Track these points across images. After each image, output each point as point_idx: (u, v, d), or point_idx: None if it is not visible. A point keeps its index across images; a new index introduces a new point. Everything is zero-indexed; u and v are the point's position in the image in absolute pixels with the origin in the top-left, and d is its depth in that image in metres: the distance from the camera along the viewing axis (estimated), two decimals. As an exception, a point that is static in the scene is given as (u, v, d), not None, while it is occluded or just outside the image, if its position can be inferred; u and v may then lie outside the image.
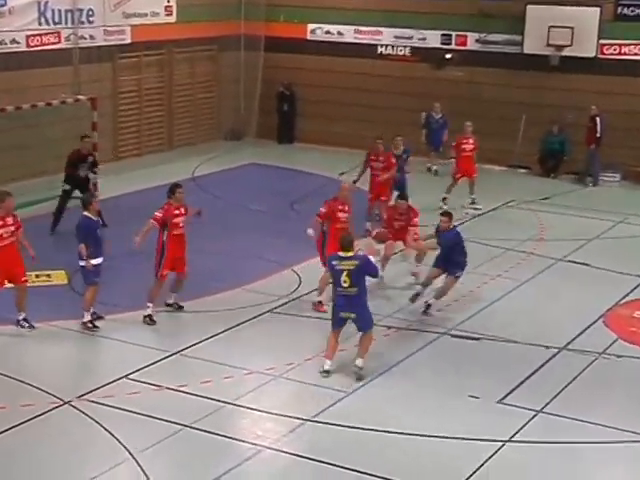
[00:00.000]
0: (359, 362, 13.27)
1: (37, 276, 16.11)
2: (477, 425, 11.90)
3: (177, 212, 15.10)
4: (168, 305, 15.58)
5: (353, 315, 13.25)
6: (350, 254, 13.30)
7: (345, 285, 13.05)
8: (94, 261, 14.49)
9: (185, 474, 10.68)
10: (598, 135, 24.75)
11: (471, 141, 22.39)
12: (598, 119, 24.64)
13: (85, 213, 14.73)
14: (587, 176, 25.32)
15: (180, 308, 15.61)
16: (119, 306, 15.51)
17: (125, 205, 20.76)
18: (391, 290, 16.84)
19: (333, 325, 13.45)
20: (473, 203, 22.19)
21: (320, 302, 15.70)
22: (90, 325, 14.60)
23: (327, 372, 13.26)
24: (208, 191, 23.04)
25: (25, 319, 14.50)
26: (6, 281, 14.36)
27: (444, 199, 21.81)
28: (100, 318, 14.80)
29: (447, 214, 16.31)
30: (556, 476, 10.96)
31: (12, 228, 14.41)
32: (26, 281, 14.67)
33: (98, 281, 14.67)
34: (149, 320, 15.01)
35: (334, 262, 13.35)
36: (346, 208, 16.11)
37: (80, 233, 14.60)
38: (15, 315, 14.47)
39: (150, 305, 15.03)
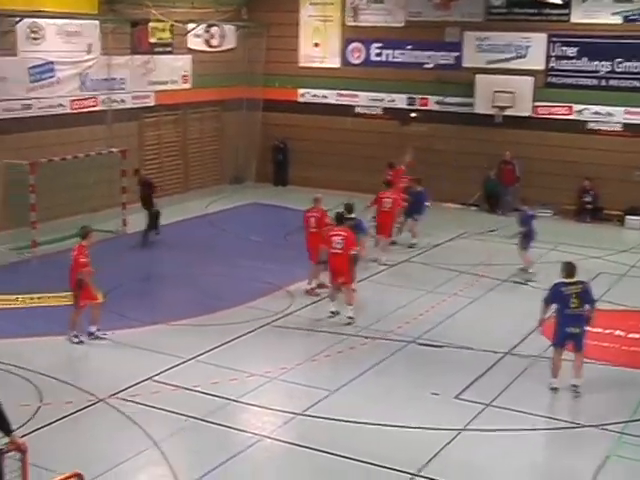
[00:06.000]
0: (576, 381, 12.72)
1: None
2: (438, 416, 11.88)
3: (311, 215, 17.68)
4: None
5: (578, 330, 12.54)
6: (575, 279, 12.59)
7: (574, 306, 12.38)
8: None
9: (198, 459, 10.58)
10: (518, 175, 24.96)
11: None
12: (515, 162, 24.88)
13: None
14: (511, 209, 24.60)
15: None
16: (142, 321, 15.43)
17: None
18: (367, 304, 16.61)
19: (557, 344, 12.74)
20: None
21: (312, 288, 17.12)
22: None
23: (557, 389, 12.68)
24: (217, 225, 23.05)
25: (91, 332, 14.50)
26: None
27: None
28: None
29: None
30: (502, 458, 10.87)
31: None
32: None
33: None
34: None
35: (562, 288, 12.46)
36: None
37: None
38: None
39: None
